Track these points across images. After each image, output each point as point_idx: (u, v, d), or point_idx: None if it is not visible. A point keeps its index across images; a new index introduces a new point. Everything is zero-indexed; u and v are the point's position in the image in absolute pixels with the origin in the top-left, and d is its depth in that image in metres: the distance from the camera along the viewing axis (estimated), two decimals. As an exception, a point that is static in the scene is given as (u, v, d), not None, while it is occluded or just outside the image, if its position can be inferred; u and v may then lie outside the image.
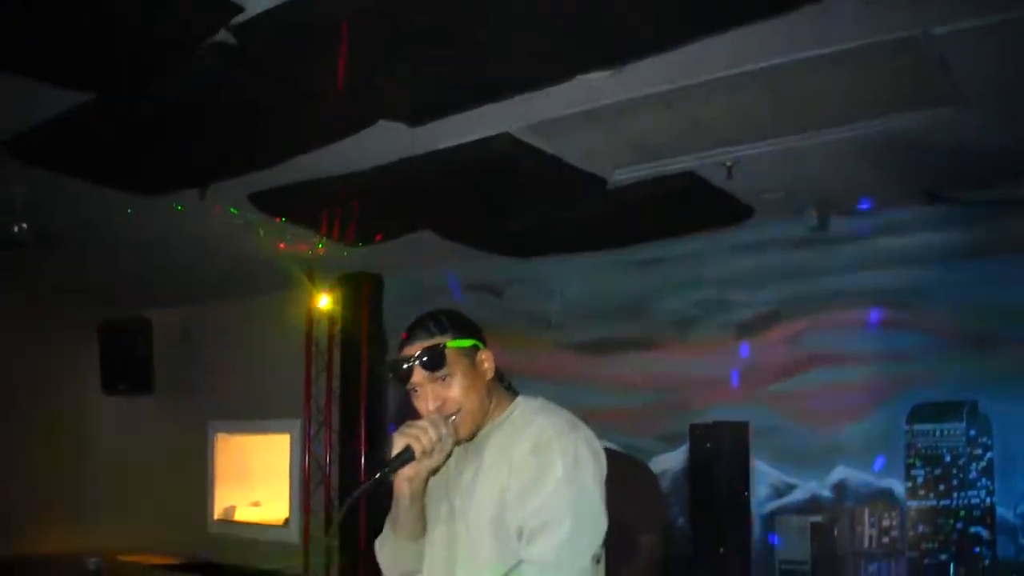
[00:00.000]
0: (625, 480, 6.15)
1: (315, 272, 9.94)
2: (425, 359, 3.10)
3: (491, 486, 3.13)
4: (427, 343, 3.12)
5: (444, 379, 3.12)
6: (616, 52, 4.85)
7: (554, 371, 8.49)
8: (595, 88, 5.28)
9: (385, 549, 3.36)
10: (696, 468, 7.77)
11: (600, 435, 5.94)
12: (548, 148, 6.23)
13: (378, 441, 9.89)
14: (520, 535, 3.01)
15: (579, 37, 4.66)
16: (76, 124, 5.84)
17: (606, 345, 8.53)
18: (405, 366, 3.11)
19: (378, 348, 10.05)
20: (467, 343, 3.18)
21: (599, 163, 6.57)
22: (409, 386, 3.16)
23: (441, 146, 6.27)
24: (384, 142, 6.17)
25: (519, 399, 3.33)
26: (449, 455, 3.20)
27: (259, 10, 4.54)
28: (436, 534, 3.25)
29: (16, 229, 7.39)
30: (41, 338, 11.36)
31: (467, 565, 3.15)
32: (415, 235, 8.22)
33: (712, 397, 7.90)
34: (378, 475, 3.08)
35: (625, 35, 4.65)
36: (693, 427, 7.82)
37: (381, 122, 5.79)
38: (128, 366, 11.61)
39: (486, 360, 3.22)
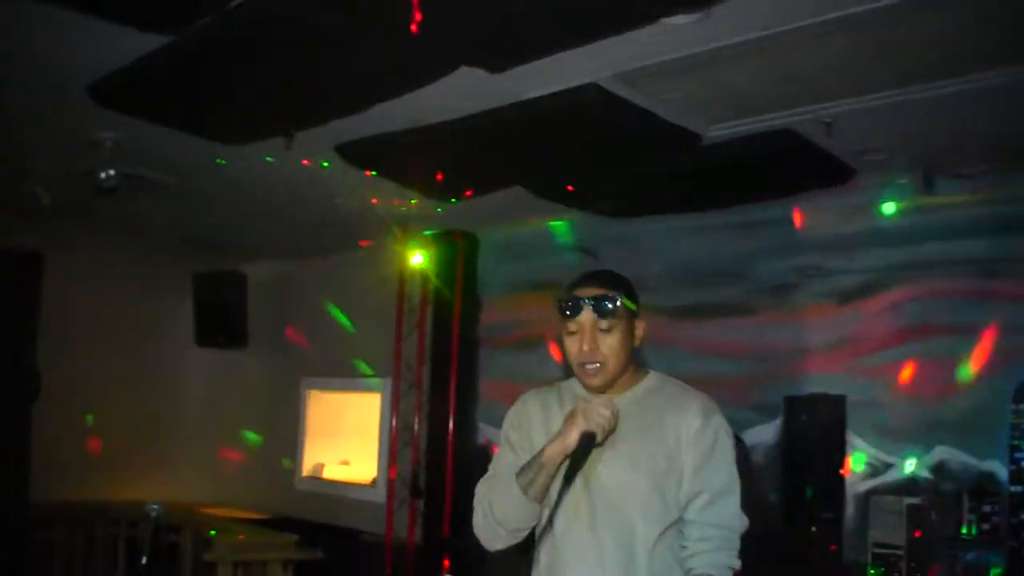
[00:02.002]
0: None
1: (409, 228, 9.79)
2: (600, 304, 3.39)
3: (644, 458, 3.41)
4: (603, 291, 3.42)
5: (605, 329, 3.41)
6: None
7: (649, 336, 8.24)
8: (681, 35, 4.99)
9: (508, 503, 3.44)
10: (790, 442, 7.49)
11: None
12: (638, 100, 5.95)
13: (467, 402, 9.76)
14: (690, 499, 3.38)
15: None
16: (154, 68, 5.74)
17: (702, 310, 8.24)
18: (582, 303, 3.40)
19: (471, 307, 9.91)
20: (633, 307, 3.49)
21: (692, 118, 6.29)
22: (569, 325, 3.44)
23: (526, 96, 6.04)
24: (468, 93, 5.98)
25: (652, 373, 3.63)
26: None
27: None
28: (569, 501, 3.40)
29: (104, 175, 7.34)
30: (136, 286, 11.39)
31: (616, 532, 3.38)
32: (508, 192, 8.03)
33: (809, 367, 7.57)
34: (574, 469, 3.26)
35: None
36: (788, 399, 7.53)
37: (463, 69, 5.57)
38: (222, 319, 11.59)
39: (640, 329, 3.54)
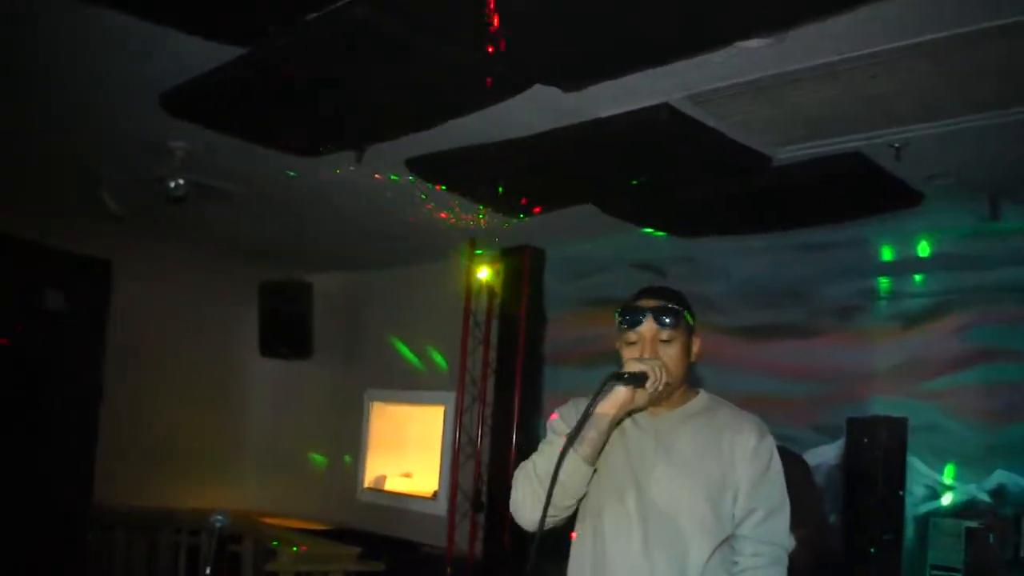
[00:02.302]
0: (786, 475, 6.02)
1: (476, 243, 9.90)
2: (661, 314, 3.46)
3: (699, 474, 3.45)
4: (664, 302, 3.50)
5: (666, 340, 3.47)
6: (776, 18, 4.63)
7: (713, 354, 8.21)
8: (755, 58, 5.09)
9: (561, 467, 3.28)
10: (851, 463, 7.47)
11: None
12: (709, 121, 6.04)
13: (530, 418, 9.82)
14: (745, 515, 3.44)
15: (736, 1, 4.47)
16: (226, 79, 5.86)
17: (767, 330, 8.29)
18: (643, 314, 3.47)
19: (537, 323, 9.98)
20: (691, 320, 3.54)
21: (763, 139, 6.36)
22: (629, 336, 3.50)
23: (598, 115, 6.13)
24: (541, 110, 6.09)
25: (702, 392, 3.68)
26: (636, 412, 3.54)
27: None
28: (619, 514, 3.49)
29: (173, 184, 7.46)
30: (202, 295, 11.53)
31: (669, 548, 3.40)
32: (577, 209, 8.11)
33: (871, 390, 7.61)
34: (614, 376, 3.33)
35: (785, 0, 4.45)
36: (850, 420, 7.47)
37: (537, 87, 5.67)
38: (287, 329, 11.70)
39: (696, 345, 3.59)
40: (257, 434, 12.30)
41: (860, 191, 7.03)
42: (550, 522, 3.42)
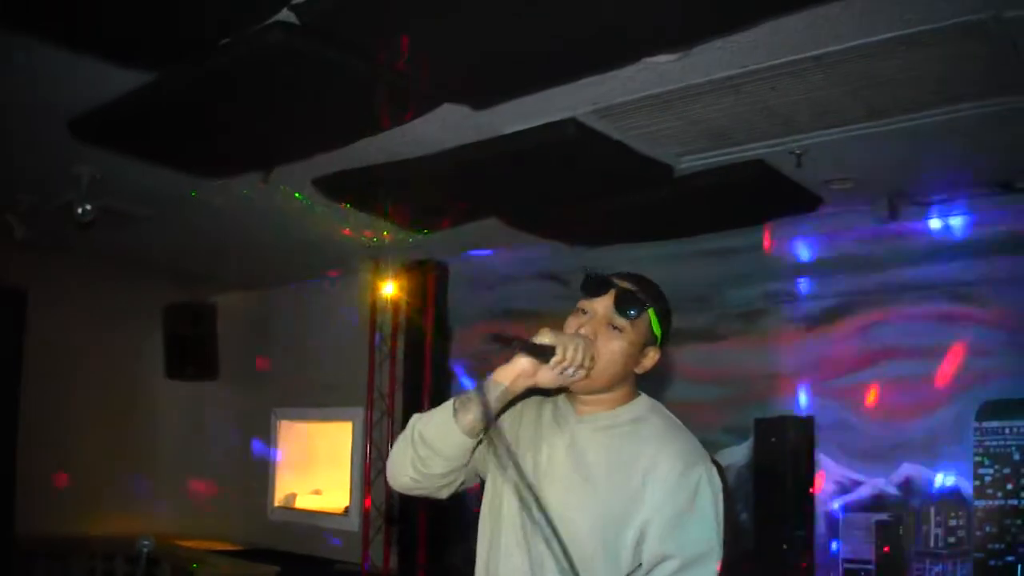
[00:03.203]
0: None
1: (380, 259, 9.93)
2: (626, 299, 3.02)
3: (599, 500, 2.94)
4: (636, 292, 3.04)
5: (616, 328, 3.00)
6: (682, 34, 4.74)
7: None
8: (661, 72, 5.19)
9: (434, 421, 3.01)
10: (760, 463, 7.63)
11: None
12: (614, 134, 6.14)
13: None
14: (654, 564, 2.83)
15: (644, 18, 4.56)
16: (137, 104, 5.84)
17: (672, 336, 8.37)
18: (608, 289, 3.04)
19: (442, 336, 10.03)
20: (657, 329, 3.11)
21: (665, 150, 6.47)
22: (583, 305, 3.06)
23: (506, 131, 6.20)
24: (448, 127, 6.14)
25: (643, 398, 3.18)
26: (548, 396, 3.19)
27: (321, -13, 4.51)
28: (515, 523, 3.07)
29: (80, 210, 7.41)
30: (107, 319, 11.39)
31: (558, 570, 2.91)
32: (481, 222, 8.17)
33: (778, 390, 7.77)
34: (512, 342, 2.89)
35: (691, 17, 4.56)
36: (758, 421, 7.66)
37: (445, 105, 5.73)
38: (192, 351, 11.64)
39: (652, 355, 3.13)
40: (166, 456, 12.18)
41: (761, 197, 7.19)
42: (418, 488, 3.09)
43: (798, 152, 6.25)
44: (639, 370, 3.10)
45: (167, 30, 4.90)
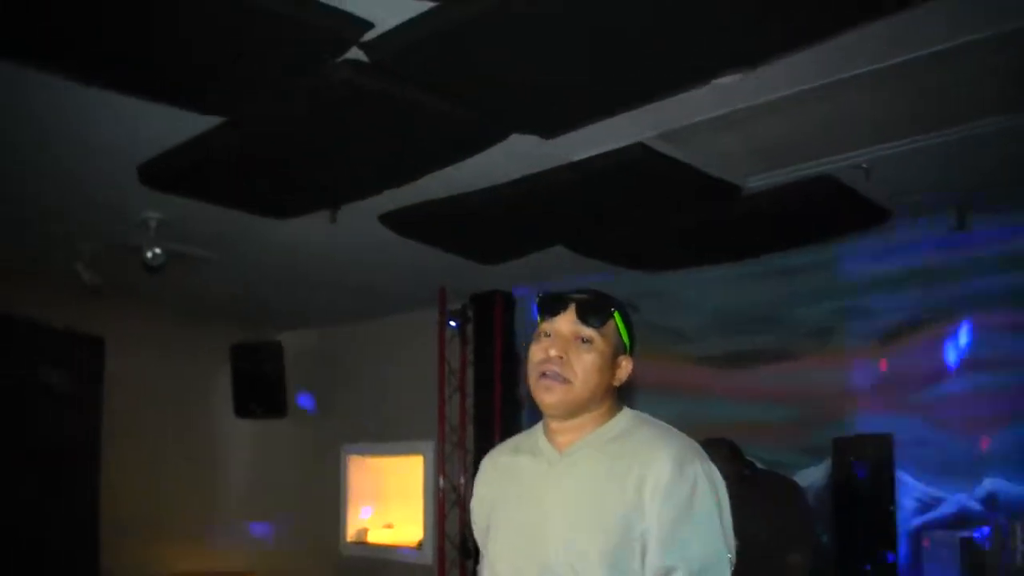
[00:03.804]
0: (773, 497, 6.09)
1: (447, 291, 9.94)
2: (588, 309, 2.83)
3: (596, 520, 2.71)
4: (595, 300, 2.86)
5: (585, 341, 2.82)
6: (749, 53, 4.73)
7: (691, 385, 8.38)
8: (727, 92, 5.17)
9: None
10: (839, 482, 7.53)
11: (744, 448, 5.78)
12: (680, 156, 6.12)
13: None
14: (663, 572, 2.62)
15: (710, 40, 4.55)
16: (206, 148, 5.90)
17: (744, 357, 8.36)
18: (567, 304, 2.84)
19: (512, 367, 10.00)
20: (625, 337, 2.90)
21: (732, 170, 6.46)
22: (543, 327, 2.87)
23: (573, 158, 6.21)
24: (515, 157, 6.16)
25: (625, 411, 2.95)
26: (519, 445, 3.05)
27: (389, 25, 4.51)
28: (513, 539, 2.90)
29: (150, 254, 7.46)
30: (178, 360, 11.45)
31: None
32: (547, 251, 8.16)
33: (854, 408, 7.69)
34: None
35: (757, 36, 4.54)
36: (836, 440, 7.57)
37: (513, 136, 5.75)
38: (260, 389, 11.67)
39: (626, 365, 2.91)
40: (237, 494, 12.21)
41: (830, 213, 7.12)
42: None
43: (865, 166, 6.20)
44: (616, 382, 2.90)
45: (235, 72, 4.92)
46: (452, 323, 10.20)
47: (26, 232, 8.03)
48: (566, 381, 2.80)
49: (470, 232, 7.63)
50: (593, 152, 6.09)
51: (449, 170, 6.30)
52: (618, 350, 2.89)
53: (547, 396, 2.83)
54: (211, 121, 5.58)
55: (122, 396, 10.28)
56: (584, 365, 2.80)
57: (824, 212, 7.09)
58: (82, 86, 5.11)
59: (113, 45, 4.70)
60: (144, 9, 4.37)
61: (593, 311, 2.83)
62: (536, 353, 2.86)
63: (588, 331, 2.82)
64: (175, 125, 5.67)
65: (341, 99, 5.08)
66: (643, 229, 7.58)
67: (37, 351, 7.47)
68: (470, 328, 10.30)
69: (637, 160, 6.02)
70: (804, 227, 7.46)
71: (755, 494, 5.73)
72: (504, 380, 10.02)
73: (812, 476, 7.74)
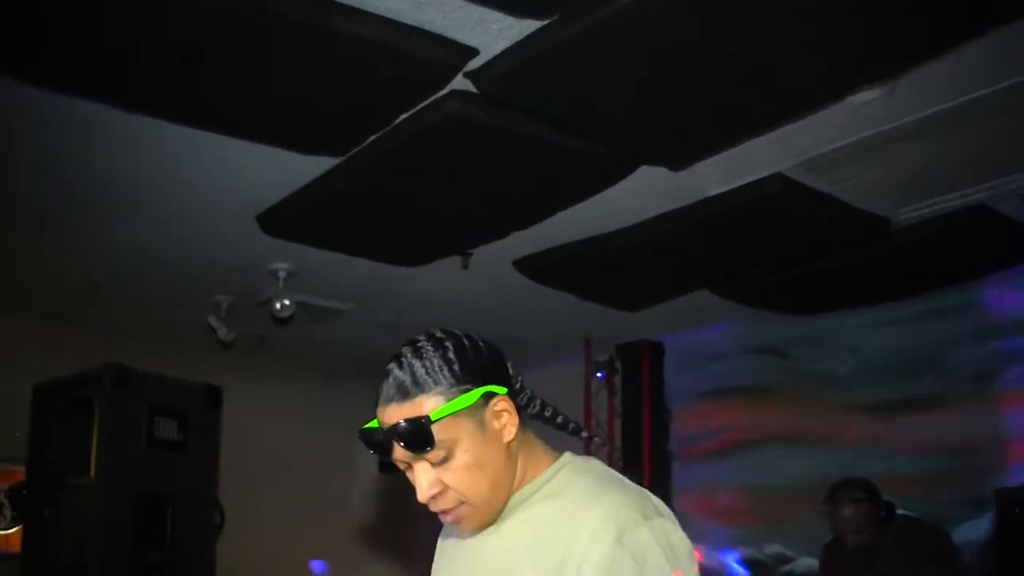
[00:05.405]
0: (912, 546, 5.77)
1: (591, 341, 9.75)
2: (404, 438, 2.07)
3: None
4: (405, 407, 2.08)
5: (441, 462, 2.11)
6: (889, 62, 4.46)
7: (843, 435, 8.03)
8: (868, 113, 4.94)
9: None
10: (1003, 537, 7.13)
11: (899, 503, 5.44)
12: (824, 187, 5.88)
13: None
14: None
15: (844, 51, 4.31)
16: (322, 193, 5.88)
17: (898, 404, 7.96)
18: (386, 438, 2.10)
19: (660, 419, 9.76)
20: (470, 398, 2.11)
21: (880, 201, 6.16)
22: (395, 460, 2.16)
23: (708, 193, 6.00)
24: (646, 192, 5.99)
25: (560, 462, 2.27)
26: None
27: (496, 51, 4.38)
28: None
29: (279, 305, 7.44)
30: (312, 414, 11.41)
31: None
32: (690, 296, 7.91)
33: (1017, 456, 7.25)
34: None
35: (894, 43, 4.28)
36: (999, 491, 7.16)
37: (643, 168, 5.55)
38: (404, 445, 11.53)
39: (504, 412, 2.17)
40: (376, 553, 12.11)
41: (985, 245, 6.78)
42: None
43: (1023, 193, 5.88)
44: (508, 437, 2.17)
45: (341, 110, 4.86)
46: (598, 374, 9.97)
47: (151, 284, 8.11)
48: (461, 504, 2.15)
49: (608, 276, 7.45)
50: (728, 186, 5.88)
51: (580, 210, 6.15)
52: (479, 414, 2.13)
53: (466, 529, 2.24)
54: (326, 163, 5.53)
55: (244, 449, 10.25)
56: (462, 480, 2.12)
57: (978, 245, 6.75)
58: (197, 130, 5.15)
59: (218, 90, 4.72)
60: (248, 53, 4.36)
61: (414, 443, 2.08)
62: (416, 486, 2.16)
63: (432, 453, 2.09)
64: (292, 169, 5.65)
65: (452, 133, 4.98)
66: (788, 270, 7.28)
67: (154, 400, 7.48)
68: (617, 379, 10.06)
69: (777, 193, 5.79)
70: (957, 262, 7.08)
71: (892, 541, 5.57)
72: (653, 433, 9.75)
73: (973, 531, 7.32)
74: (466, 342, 2.23)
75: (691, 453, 9.56)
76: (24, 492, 8.23)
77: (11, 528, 9.00)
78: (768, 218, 6.23)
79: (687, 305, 8.11)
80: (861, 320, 8.10)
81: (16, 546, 8.58)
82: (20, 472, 8.41)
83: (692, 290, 7.77)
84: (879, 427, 7.98)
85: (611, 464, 7.66)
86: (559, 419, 2.40)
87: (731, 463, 8.92)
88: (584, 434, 2.54)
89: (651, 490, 6.05)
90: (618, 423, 10.14)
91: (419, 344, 2.21)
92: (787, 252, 6.93)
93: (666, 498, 7.01)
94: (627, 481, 2.24)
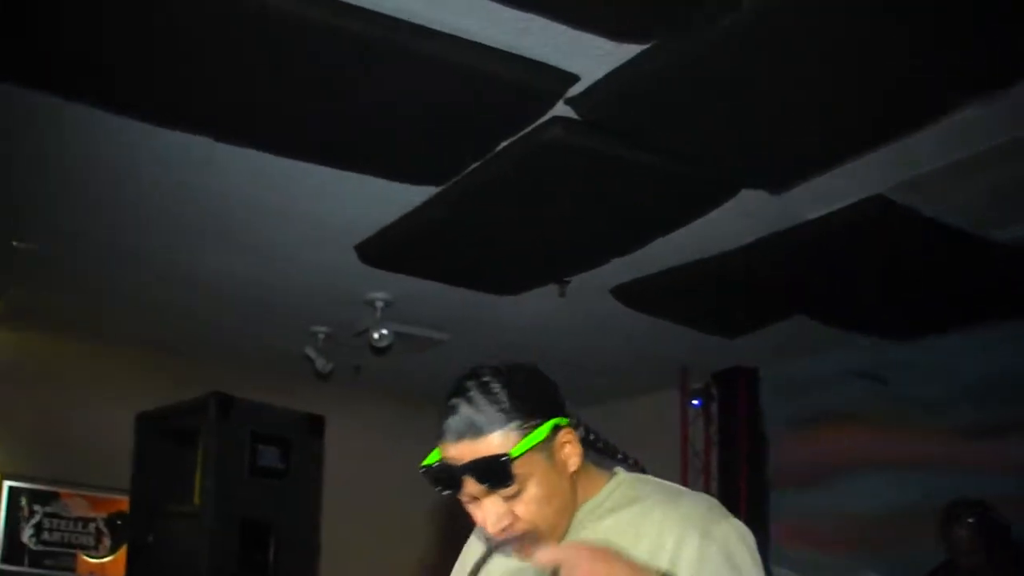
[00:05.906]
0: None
1: (688, 369, 9.68)
2: (483, 475, 2.10)
3: None
4: (478, 446, 2.10)
5: (512, 497, 2.13)
6: (991, 76, 4.37)
7: (951, 460, 7.87)
8: (969, 129, 4.83)
9: None
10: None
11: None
12: (925, 209, 5.76)
13: (759, 548, 9.48)
14: None
15: (949, 61, 4.23)
16: (420, 222, 5.92)
17: (1004, 429, 7.82)
18: (457, 475, 2.13)
19: (757, 448, 9.67)
20: (542, 433, 2.15)
21: (983, 219, 6.02)
22: (463, 495, 2.19)
23: (808, 216, 5.93)
24: (746, 217, 5.91)
25: (620, 475, 2.42)
26: None
27: (597, 76, 4.36)
28: None
29: (377, 335, 7.47)
30: (410, 445, 11.38)
31: None
32: (788, 322, 7.81)
33: None
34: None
35: (1004, 55, 4.20)
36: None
37: (742, 192, 5.52)
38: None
39: (568, 443, 2.24)
40: None
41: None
42: None
43: None
44: (573, 467, 2.25)
45: (440, 138, 4.87)
46: (695, 402, 9.90)
47: (249, 314, 8.22)
48: (531, 534, 2.14)
49: (706, 302, 7.40)
50: (829, 208, 5.79)
51: (679, 236, 6.10)
52: (549, 447, 2.19)
53: (525, 553, 2.12)
54: (426, 192, 5.53)
55: (344, 479, 10.27)
56: (532, 511, 2.15)
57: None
58: (296, 160, 5.18)
59: (318, 120, 4.78)
60: (350, 82, 4.40)
61: (491, 480, 2.11)
62: (476, 519, 2.22)
63: (507, 489, 2.12)
64: (391, 198, 5.67)
65: (553, 159, 4.98)
66: (888, 293, 7.18)
67: (257, 428, 7.57)
68: (714, 407, 9.98)
69: (878, 215, 5.71)
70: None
71: (1006, 564, 5.56)
72: (750, 461, 9.67)
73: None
74: (528, 375, 2.31)
75: (787, 481, 9.45)
76: (119, 522, 8.38)
77: (109, 556, 9.13)
78: (868, 241, 6.14)
79: (785, 329, 8.00)
80: (962, 343, 7.97)
81: (113, 573, 8.72)
82: (119, 500, 8.55)
83: (790, 316, 7.67)
84: (983, 451, 7.85)
85: (708, 492, 7.63)
86: (600, 444, 2.51)
87: (828, 491, 8.78)
88: (630, 460, 2.57)
89: (748, 519, 5.98)
90: (714, 451, 10.06)
91: (484, 379, 2.24)
92: (887, 275, 6.81)
93: (763, 527, 6.93)
94: (685, 488, 2.38)
